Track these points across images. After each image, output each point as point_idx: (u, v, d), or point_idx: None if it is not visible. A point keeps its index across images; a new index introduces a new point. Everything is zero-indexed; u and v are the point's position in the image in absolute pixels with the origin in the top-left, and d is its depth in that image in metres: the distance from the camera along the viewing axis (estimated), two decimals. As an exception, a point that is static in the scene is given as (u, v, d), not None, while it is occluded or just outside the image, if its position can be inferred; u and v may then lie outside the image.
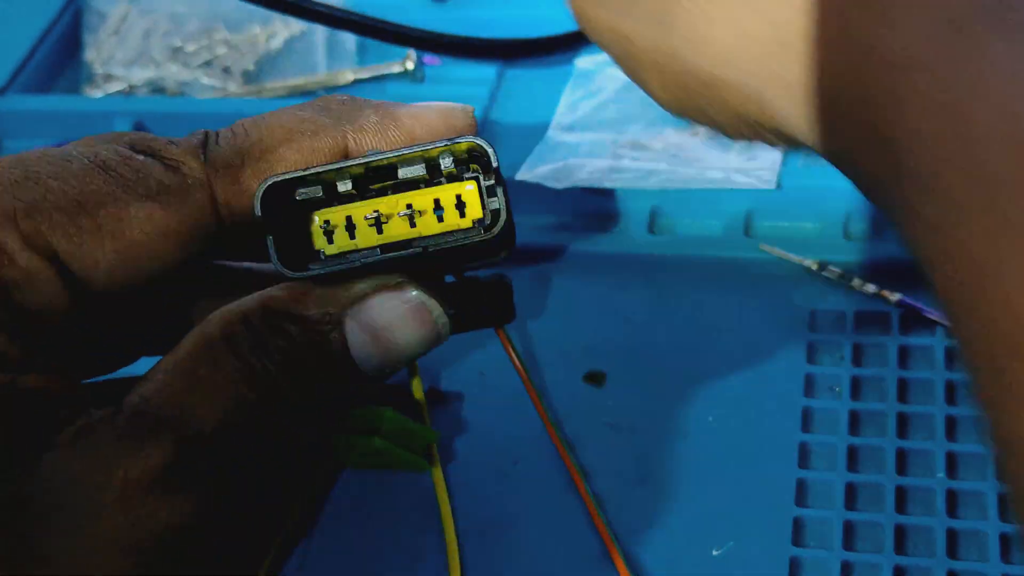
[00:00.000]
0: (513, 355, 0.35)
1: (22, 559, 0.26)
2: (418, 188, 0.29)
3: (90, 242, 0.28)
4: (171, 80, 0.53)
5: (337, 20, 0.45)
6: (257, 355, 0.29)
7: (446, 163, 0.29)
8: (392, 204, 0.29)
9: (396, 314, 0.29)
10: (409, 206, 0.29)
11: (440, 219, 0.29)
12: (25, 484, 0.26)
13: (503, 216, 0.28)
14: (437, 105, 0.32)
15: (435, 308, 0.30)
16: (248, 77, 0.53)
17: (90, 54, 0.55)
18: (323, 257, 0.29)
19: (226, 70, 0.53)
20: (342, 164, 0.28)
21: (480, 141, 0.29)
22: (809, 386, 0.38)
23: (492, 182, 0.29)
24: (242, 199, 0.29)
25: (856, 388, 0.38)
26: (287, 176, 0.28)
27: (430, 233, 0.29)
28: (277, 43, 0.53)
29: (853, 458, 0.36)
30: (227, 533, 0.29)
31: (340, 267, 0.28)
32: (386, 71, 0.52)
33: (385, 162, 0.29)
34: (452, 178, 0.29)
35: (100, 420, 0.27)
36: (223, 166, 0.29)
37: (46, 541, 0.26)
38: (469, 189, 0.29)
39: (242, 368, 0.28)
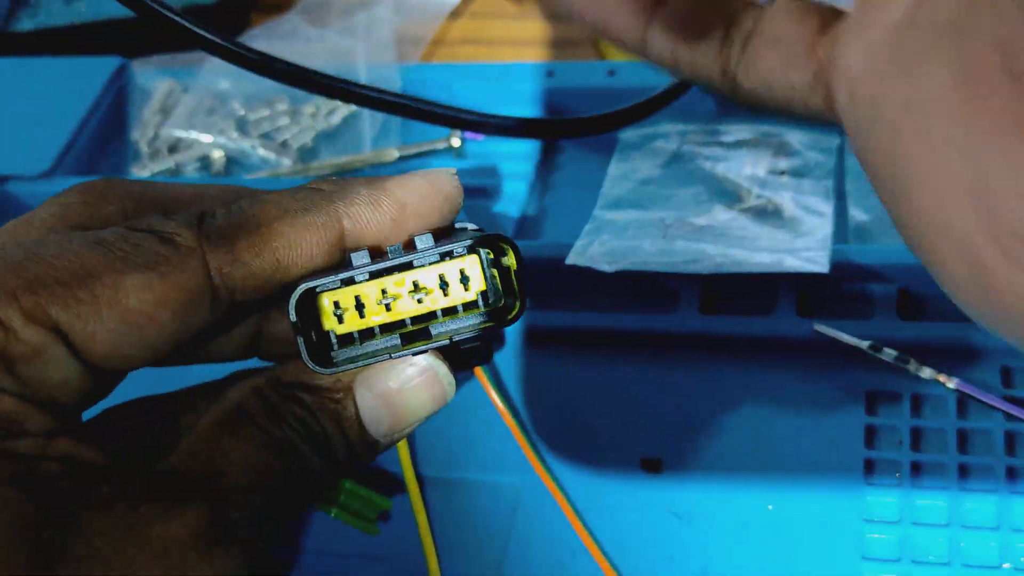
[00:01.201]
0: (492, 392, 0.40)
1: None
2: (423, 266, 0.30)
3: (89, 313, 0.29)
4: (218, 160, 0.54)
5: (385, 104, 0.45)
6: (275, 423, 0.30)
7: (459, 251, 0.30)
8: (399, 282, 0.30)
9: (406, 380, 0.31)
10: (415, 284, 0.30)
11: (445, 293, 0.30)
12: (60, 540, 0.27)
13: (520, 306, 0.30)
14: (422, 172, 0.32)
15: (442, 370, 0.31)
16: (303, 153, 0.53)
17: (136, 132, 0.55)
18: (335, 338, 0.30)
19: (284, 144, 0.53)
20: (373, 268, 0.29)
21: (500, 234, 0.30)
22: (868, 470, 0.38)
23: (514, 268, 0.30)
24: (235, 270, 0.30)
25: (916, 472, 0.38)
26: (320, 282, 0.29)
27: (437, 308, 0.30)
28: (336, 119, 0.54)
29: (913, 545, 0.36)
30: None
31: (368, 362, 0.30)
32: (430, 148, 0.52)
33: (414, 262, 0.30)
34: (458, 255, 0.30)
35: (132, 485, 0.29)
36: (218, 238, 0.30)
37: None
38: (472, 261, 0.30)
39: (262, 436, 0.30)
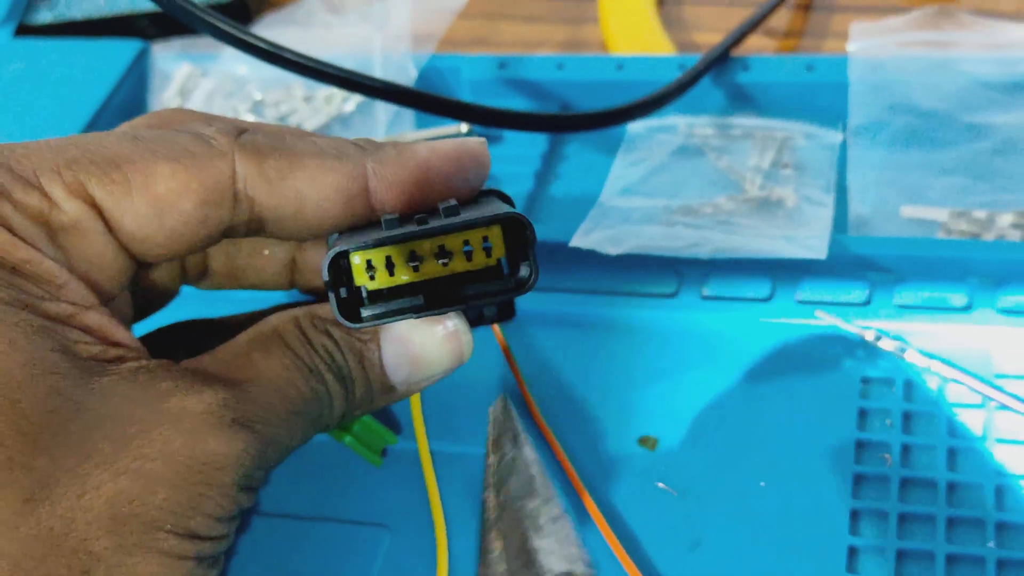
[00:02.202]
0: (510, 356, 0.41)
1: (74, 455, 0.28)
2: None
3: (122, 193, 0.31)
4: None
5: (397, 95, 0.46)
6: (304, 348, 0.33)
7: (483, 223, 0.31)
8: (427, 246, 0.32)
9: (430, 335, 0.34)
10: (441, 247, 0.32)
11: (469, 258, 0.32)
12: (78, 392, 0.29)
13: (534, 278, 0.32)
14: (453, 139, 0.34)
15: (463, 329, 0.34)
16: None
17: (155, 114, 0.57)
18: (365, 293, 0.32)
19: (299, 126, 0.54)
20: (399, 233, 0.31)
21: (520, 215, 0.31)
22: (859, 451, 0.39)
23: (527, 246, 0.32)
24: (259, 184, 0.32)
25: (906, 453, 0.39)
26: (354, 246, 0.31)
27: (461, 270, 0.32)
28: (350, 105, 0.55)
29: (904, 526, 0.37)
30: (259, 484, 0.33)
31: (393, 320, 0.32)
32: (443, 134, 0.53)
33: (437, 233, 0.31)
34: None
35: (156, 366, 0.31)
36: (251, 150, 0.32)
37: (98, 445, 0.29)
38: (495, 232, 0.32)
39: (291, 356, 0.33)
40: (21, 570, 0.27)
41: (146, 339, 0.37)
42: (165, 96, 0.57)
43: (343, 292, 0.32)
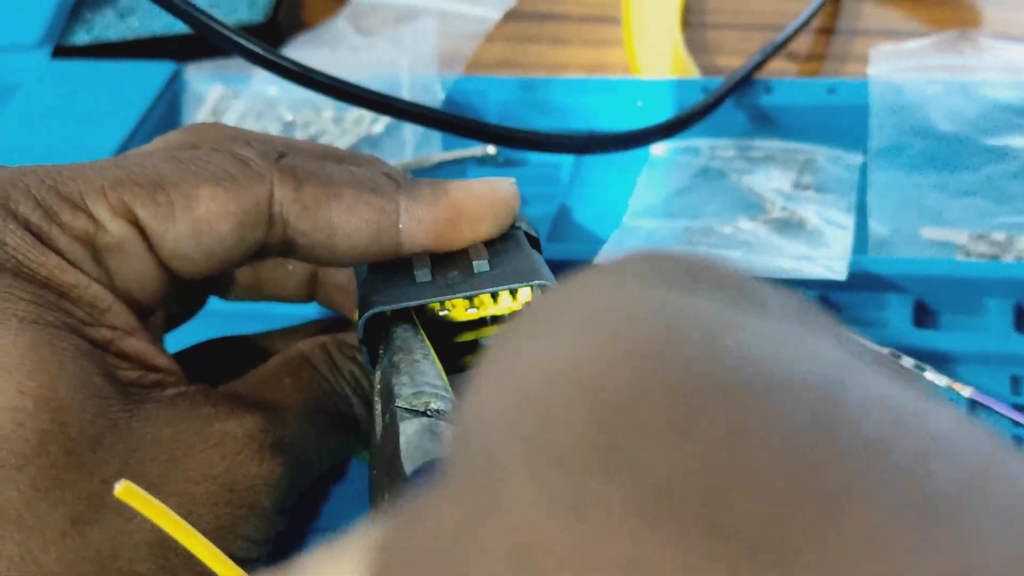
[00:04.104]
0: None
1: (119, 479, 0.29)
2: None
3: (165, 215, 0.32)
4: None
5: (425, 117, 0.47)
6: (332, 373, 0.35)
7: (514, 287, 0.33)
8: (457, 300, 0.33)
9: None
10: (470, 298, 0.33)
11: (495, 299, 0.33)
12: (124, 415, 0.30)
13: None
14: (483, 179, 0.35)
15: None
16: (343, 158, 0.55)
17: (188, 134, 0.58)
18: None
19: (329, 147, 0.55)
20: (434, 299, 0.33)
21: (548, 284, 0.33)
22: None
23: None
24: (294, 209, 0.33)
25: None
26: (385, 308, 0.32)
27: (487, 314, 0.33)
28: (379, 127, 0.56)
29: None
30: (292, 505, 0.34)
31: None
32: (469, 155, 0.54)
33: (472, 298, 0.33)
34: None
35: (195, 392, 0.32)
36: (289, 175, 0.33)
37: (144, 468, 0.30)
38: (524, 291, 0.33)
39: (319, 380, 0.34)
40: None
41: (177, 357, 0.38)
42: (198, 117, 0.58)
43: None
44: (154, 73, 0.60)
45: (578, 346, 0.15)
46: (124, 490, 0.25)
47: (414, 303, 0.32)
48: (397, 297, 0.32)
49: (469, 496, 0.14)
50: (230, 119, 0.58)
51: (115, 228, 0.32)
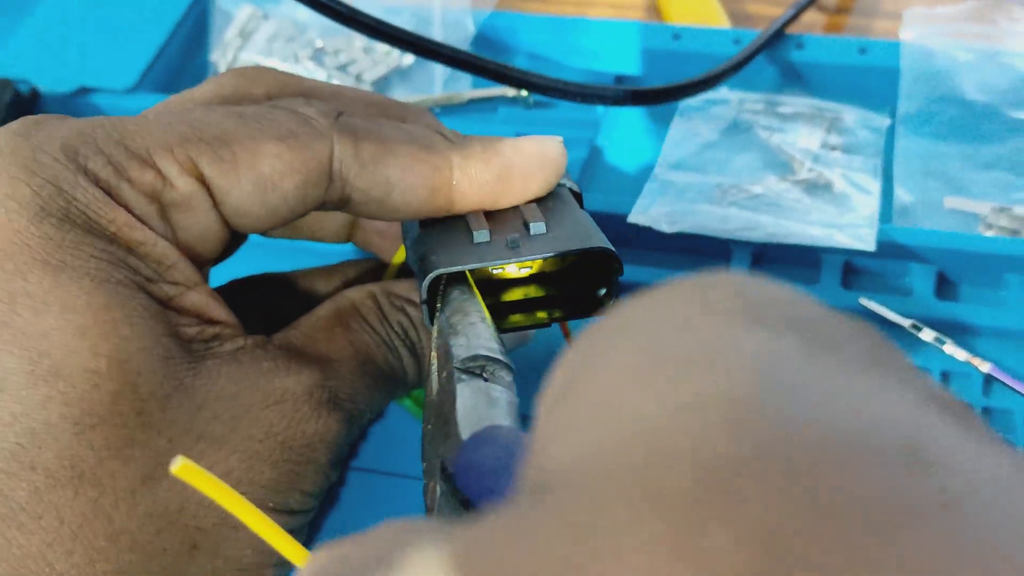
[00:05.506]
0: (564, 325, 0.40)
1: (187, 436, 0.30)
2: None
3: (230, 171, 0.33)
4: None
5: (458, 60, 0.48)
6: (382, 323, 0.35)
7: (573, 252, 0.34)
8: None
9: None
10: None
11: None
12: (190, 375, 0.31)
13: (612, 303, 0.34)
14: (532, 138, 0.36)
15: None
16: (376, 87, 0.55)
17: (215, 54, 0.58)
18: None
19: (358, 77, 0.55)
20: (498, 263, 0.33)
21: (610, 250, 0.33)
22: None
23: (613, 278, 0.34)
24: (353, 166, 0.33)
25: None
26: (451, 269, 0.33)
27: (539, 271, 0.35)
28: (409, 58, 0.56)
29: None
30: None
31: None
32: (500, 94, 0.54)
33: (530, 263, 0.34)
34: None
35: (254, 345, 0.33)
36: (349, 133, 0.34)
37: (208, 427, 0.31)
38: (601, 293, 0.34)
39: (370, 331, 0.35)
40: (138, 544, 0.29)
41: (221, 291, 0.38)
42: (227, 36, 0.58)
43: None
44: (182, -12, 0.59)
45: (682, 394, 0.16)
46: (182, 468, 0.25)
47: (482, 264, 0.33)
48: (460, 258, 0.33)
49: (576, 530, 0.15)
50: (259, 41, 0.57)
51: (182, 184, 0.32)
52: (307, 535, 0.34)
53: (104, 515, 0.29)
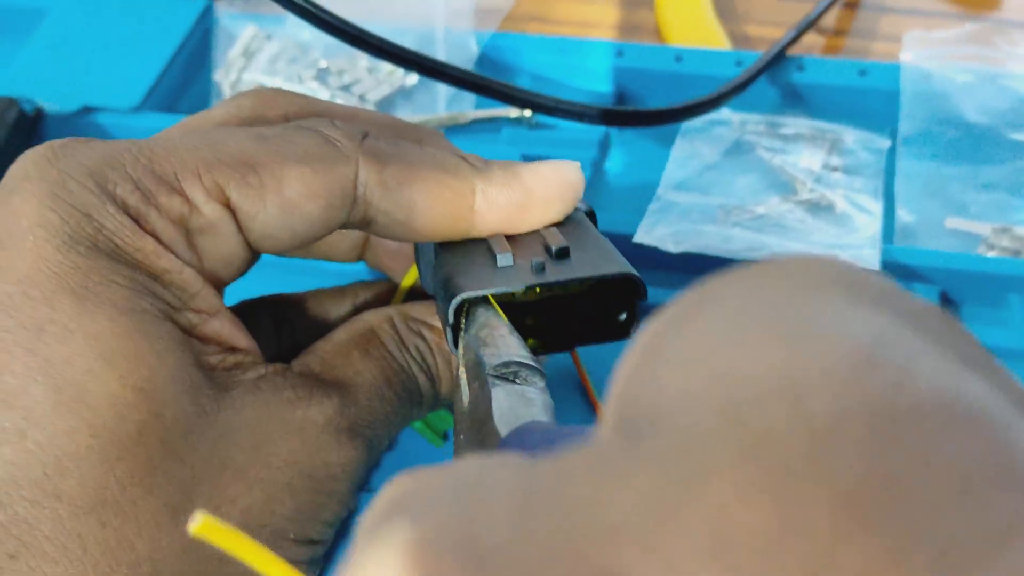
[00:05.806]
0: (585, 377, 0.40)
1: (210, 466, 0.30)
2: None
3: (256, 196, 0.32)
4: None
5: (463, 80, 0.48)
6: (399, 348, 0.35)
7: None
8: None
9: None
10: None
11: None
12: (215, 406, 0.31)
13: (635, 327, 0.34)
14: (551, 163, 0.36)
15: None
16: (380, 108, 0.56)
17: (219, 74, 0.58)
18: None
19: (362, 97, 0.56)
20: (519, 287, 0.33)
21: (636, 276, 0.33)
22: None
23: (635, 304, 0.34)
24: (377, 189, 0.33)
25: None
26: (479, 293, 0.32)
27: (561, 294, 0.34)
28: (413, 78, 0.56)
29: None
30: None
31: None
32: (503, 115, 0.55)
33: (555, 286, 0.33)
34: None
35: (274, 373, 0.33)
36: (374, 156, 0.34)
37: (231, 457, 0.31)
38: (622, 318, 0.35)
39: (388, 357, 0.35)
40: (160, 574, 0.29)
41: (234, 312, 0.38)
42: (230, 56, 0.58)
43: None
44: (185, 8, 0.59)
45: (780, 353, 0.16)
46: (202, 525, 0.23)
47: (509, 289, 0.32)
48: (486, 281, 0.33)
49: (669, 471, 0.15)
50: (262, 61, 0.58)
51: (209, 211, 0.32)
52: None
53: (127, 544, 0.29)
